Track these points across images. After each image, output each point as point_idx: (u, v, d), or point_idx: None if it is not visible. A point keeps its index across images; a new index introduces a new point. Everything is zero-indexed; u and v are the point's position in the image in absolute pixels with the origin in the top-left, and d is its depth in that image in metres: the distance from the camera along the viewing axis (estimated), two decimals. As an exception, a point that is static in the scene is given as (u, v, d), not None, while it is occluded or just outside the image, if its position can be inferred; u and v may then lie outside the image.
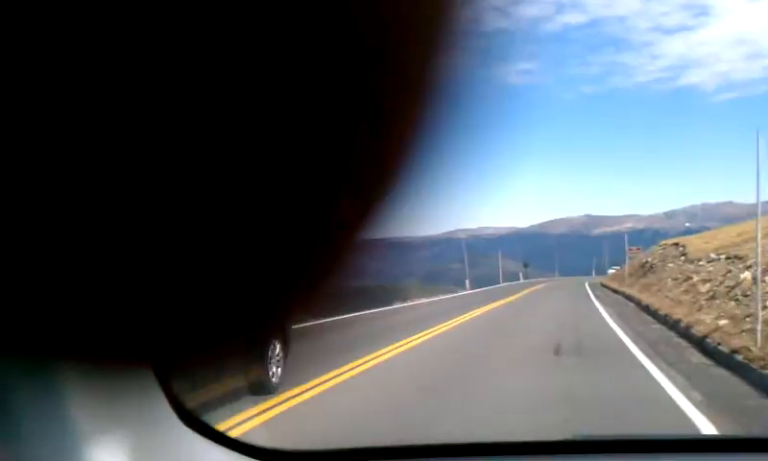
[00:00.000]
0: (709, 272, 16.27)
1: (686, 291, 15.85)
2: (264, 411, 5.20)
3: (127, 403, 1.04)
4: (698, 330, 10.09)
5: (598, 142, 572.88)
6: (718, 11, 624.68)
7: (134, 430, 1.04)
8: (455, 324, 14.40)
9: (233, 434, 2.86)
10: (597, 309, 18.65)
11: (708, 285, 14.56)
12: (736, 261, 15.68)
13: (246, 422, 4.74)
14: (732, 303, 11.31)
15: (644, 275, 29.90)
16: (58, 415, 0.91)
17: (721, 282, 13.66)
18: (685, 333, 10.63)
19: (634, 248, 36.01)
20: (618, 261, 62.61)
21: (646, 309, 16.47)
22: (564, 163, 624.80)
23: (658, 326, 13.13)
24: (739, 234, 24.99)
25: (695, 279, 16.55)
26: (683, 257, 25.43)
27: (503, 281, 58.41)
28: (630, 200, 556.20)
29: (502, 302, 23.74)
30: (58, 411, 0.91)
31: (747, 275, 12.29)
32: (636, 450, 1.78)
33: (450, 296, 27.50)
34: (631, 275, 32.30)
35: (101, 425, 0.96)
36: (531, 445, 1.93)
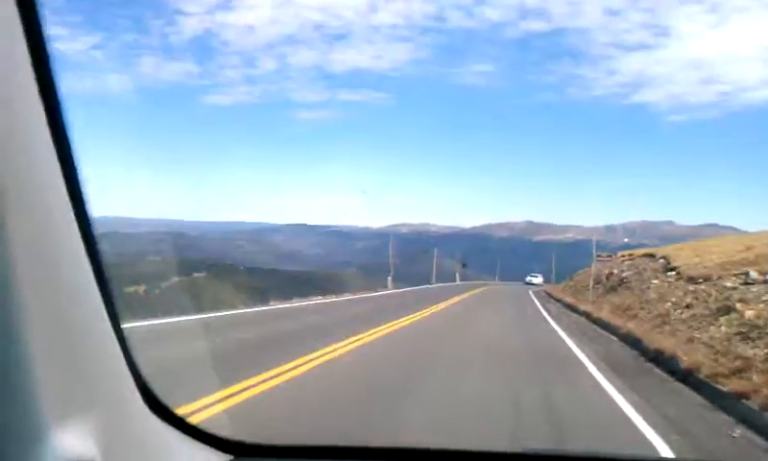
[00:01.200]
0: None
1: (742, 337, 8.87)
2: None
3: (95, 386, 1.00)
4: None
5: (545, 151, 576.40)
6: (678, 32, 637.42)
7: (101, 414, 1.00)
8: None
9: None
10: (575, 356, 11.57)
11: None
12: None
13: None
14: None
15: (612, 290, 23.30)
16: (20, 400, 0.83)
17: None
18: None
19: (604, 254, 28.08)
20: (563, 270, 57.24)
21: (667, 365, 9.32)
22: (509, 167, 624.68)
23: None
24: (748, 249, 18.57)
25: (749, 313, 9.61)
26: (671, 273, 18.81)
27: (437, 281, 51.28)
28: (571, 211, 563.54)
29: (406, 321, 14.33)
30: (20, 396, 0.83)
31: None
32: None
33: (336, 299, 20.14)
34: (594, 288, 25.62)
35: (67, 409, 0.91)
36: (476, 454, 1.81)
